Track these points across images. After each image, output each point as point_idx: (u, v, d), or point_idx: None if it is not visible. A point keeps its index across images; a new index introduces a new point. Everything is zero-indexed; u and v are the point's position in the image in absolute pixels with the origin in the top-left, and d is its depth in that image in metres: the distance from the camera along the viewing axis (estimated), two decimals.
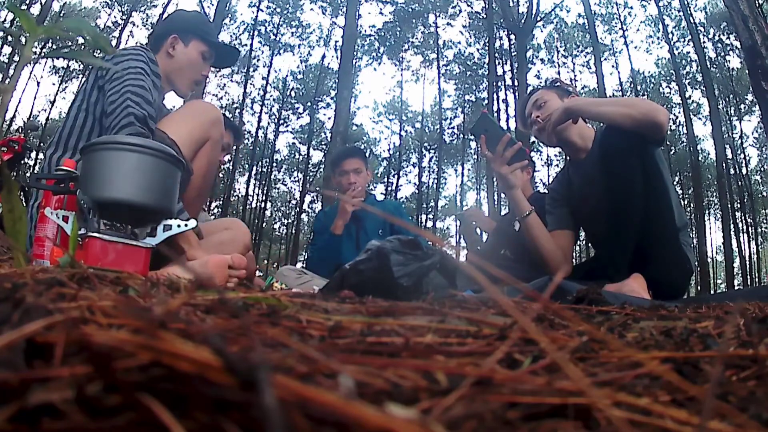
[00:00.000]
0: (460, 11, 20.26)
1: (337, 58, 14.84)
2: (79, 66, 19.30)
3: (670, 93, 21.03)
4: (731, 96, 19.46)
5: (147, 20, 19.98)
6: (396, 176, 24.52)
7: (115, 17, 19.80)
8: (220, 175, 16.28)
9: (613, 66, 21.70)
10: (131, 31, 19.83)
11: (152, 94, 1.53)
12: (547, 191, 2.26)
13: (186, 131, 1.54)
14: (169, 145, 1.37)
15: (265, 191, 22.58)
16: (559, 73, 21.17)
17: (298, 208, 22.04)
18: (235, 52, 2.00)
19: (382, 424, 0.18)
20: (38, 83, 19.68)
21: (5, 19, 12.91)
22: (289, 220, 25.61)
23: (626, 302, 0.91)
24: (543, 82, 12.30)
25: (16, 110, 17.25)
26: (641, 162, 1.67)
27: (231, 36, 20.01)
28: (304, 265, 2.94)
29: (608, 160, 1.72)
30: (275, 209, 26.40)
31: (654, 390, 0.30)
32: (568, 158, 2.11)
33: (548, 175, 20.72)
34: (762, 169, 21.97)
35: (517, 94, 15.99)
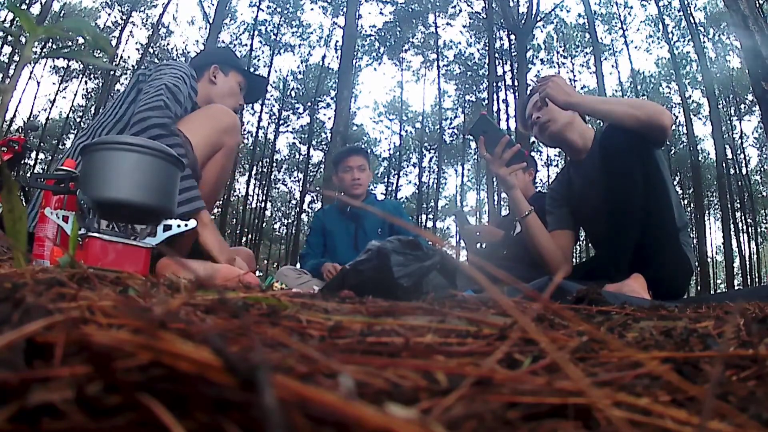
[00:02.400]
0: (460, 11, 20.29)
1: (338, 58, 14.83)
2: (79, 66, 19.31)
3: (670, 93, 21.06)
4: (731, 96, 19.46)
5: (147, 20, 20.00)
6: (396, 176, 24.53)
7: (115, 17, 19.83)
8: None
9: (613, 66, 21.75)
10: (131, 31, 19.89)
11: (184, 102, 1.57)
12: (547, 191, 2.26)
13: (201, 135, 1.55)
14: (182, 144, 1.39)
15: (265, 191, 22.59)
16: (559, 73, 21.16)
17: (298, 208, 22.05)
18: (264, 81, 2.17)
19: (382, 424, 0.18)
20: (38, 83, 19.71)
21: (5, 19, 12.91)
22: (289, 220, 25.62)
23: (626, 302, 0.91)
24: None
25: (16, 110, 17.29)
26: (642, 162, 1.67)
27: (231, 36, 20.04)
28: None
29: (609, 160, 1.72)
30: (275, 209, 26.42)
31: (654, 390, 0.30)
32: (568, 158, 2.11)
33: (548, 175, 20.72)
34: (762, 169, 21.97)
35: (517, 94, 16.00)
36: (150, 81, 1.55)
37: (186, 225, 1.15)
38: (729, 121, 19.59)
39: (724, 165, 15.50)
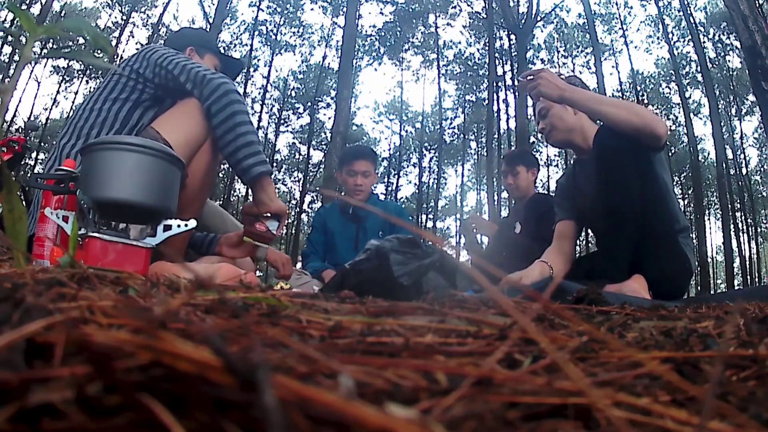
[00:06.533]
0: (460, 11, 20.27)
1: (338, 58, 14.82)
2: (80, 66, 19.31)
3: (670, 93, 21.04)
4: (731, 96, 19.45)
5: (147, 21, 20.00)
6: (396, 176, 24.53)
7: (115, 17, 19.83)
8: (220, 174, 16.28)
9: (613, 66, 21.71)
10: (131, 32, 19.87)
11: None
12: (547, 192, 2.27)
13: (182, 131, 1.51)
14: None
15: None
16: (559, 74, 21.08)
17: (298, 208, 22.01)
18: (240, 64, 2.14)
19: (382, 424, 0.18)
20: (38, 83, 19.69)
21: (5, 19, 12.90)
22: (289, 221, 25.60)
23: (626, 302, 0.91)
24: None
25: (16, 110, 17.27)
26: (636, 162, 1.66)
27: (231, 36, 20.04)
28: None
29: (602, 160, 1.72)
30: None
31: (654, 390, 0.30)
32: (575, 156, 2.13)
33: (548, 175, 20.73)
34: (762, 169, 21.96)
35: (517, 94, 16.00)
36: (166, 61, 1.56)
37: (186, 225, 1.15)
38: (729, 121, 19.59)
39: (724, 165, 15.50)
